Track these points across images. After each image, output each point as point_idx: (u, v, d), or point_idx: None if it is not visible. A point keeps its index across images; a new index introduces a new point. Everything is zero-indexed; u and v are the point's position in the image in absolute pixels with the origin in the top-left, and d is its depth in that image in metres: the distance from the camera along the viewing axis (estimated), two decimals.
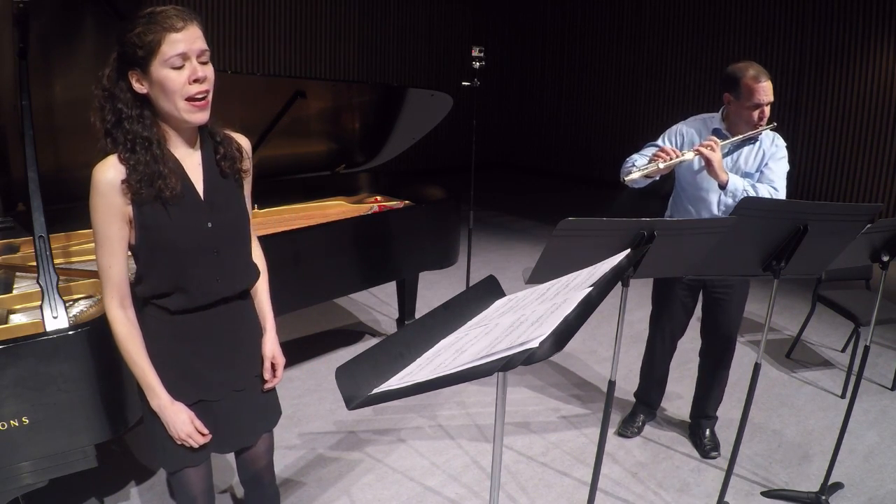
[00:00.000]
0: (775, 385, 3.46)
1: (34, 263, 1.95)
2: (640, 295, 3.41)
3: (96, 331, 1.76)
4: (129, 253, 1.44)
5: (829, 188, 6.69)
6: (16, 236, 2.53)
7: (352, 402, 1.07)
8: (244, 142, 1.58)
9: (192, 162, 1.46)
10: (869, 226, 1.97)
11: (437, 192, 3.73)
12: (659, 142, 2.62)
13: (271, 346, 1.66)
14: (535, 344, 0.91)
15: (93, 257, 2.54)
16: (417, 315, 3.83)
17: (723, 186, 2.39)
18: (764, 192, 2.41)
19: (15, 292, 2.18)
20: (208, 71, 1.36)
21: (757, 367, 2.13)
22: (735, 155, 2.52)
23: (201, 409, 1.52)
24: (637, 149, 2.63)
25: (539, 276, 1.69)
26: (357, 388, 1.08)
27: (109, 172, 1.35)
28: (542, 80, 9.48)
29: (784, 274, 1.98)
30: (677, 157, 2.31)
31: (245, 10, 7.04)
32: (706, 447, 2.81)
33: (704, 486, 2.61)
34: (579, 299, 1.00)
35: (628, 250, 1.55)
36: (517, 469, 2.71)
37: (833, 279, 3.60)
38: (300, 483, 2.57)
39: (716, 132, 2.51)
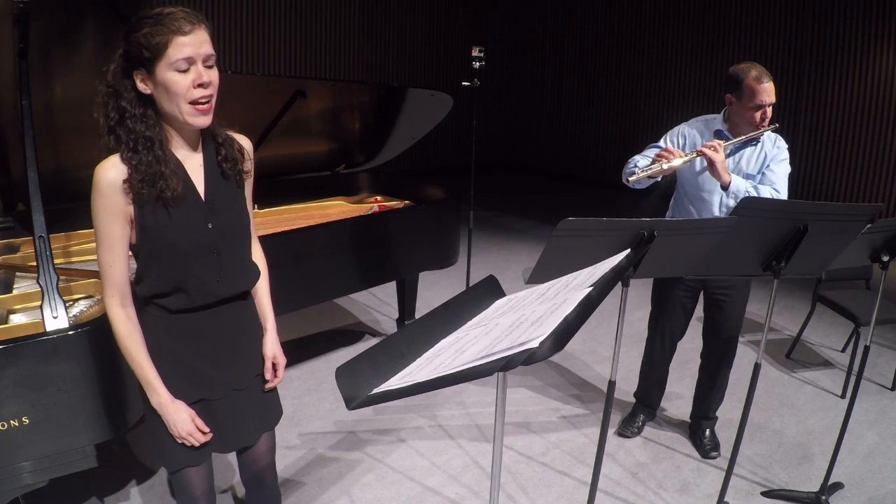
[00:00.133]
0: (775, 385, 3.46)
1: (34, 263, 1.95)
2: (640, 295, 3.40)
3: (96, 331, 1.76)
4: (130, 252, 1.45)
5: (829, 188, 6.69)
6: (16, 236, 2.53)
7: (352, 402, 1.07)
8: (246, 143, 1.58)
9: (193, 163, 1.46)
10: (869, 226, 1.97)
11: (437, 192, 3.73)
12: (661, 143, 2.62)
13: (272, 345, 1.67)
14: (535, 344, 0.91)
15: (93, 257, 2.55)
16: (417, 315, 3.82)
17: (725, 188, 2.39)
18: (766, 193, 2.42)
19: (15, 292, 2.18)
20: (213, 76, 1.37)
21: (757, 367, 2.13)
22: (737, 156, 2.52)
23: (202, 408, 1.52)
24: (637, 149, 2.64)
25: (539, 276, 1.69)
26: (357, 388, 1.08)
27: (111, 172, 1.35)
28: (542, 80, 9.47)
29: (784, 274, 1.98)
30: (680, 158, 2.32)
31: (245, 10, 7.04)
32: (706, 447, 2.81)
33: (704, 486, 2.61)
34: (579, 299, 1.00)
35: (628, 250, 1.55)
36: (517, 469, 2.70)
37: (833, 279, 3.60)
38: (300, 483, 2.57)
39: (717, 133, 2.51)
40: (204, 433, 1.50)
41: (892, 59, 6.03)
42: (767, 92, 2.36)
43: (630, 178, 2.38)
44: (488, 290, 1.39)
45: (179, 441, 1.48)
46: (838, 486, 2.58)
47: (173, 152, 1.42)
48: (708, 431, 2.87)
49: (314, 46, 7.69)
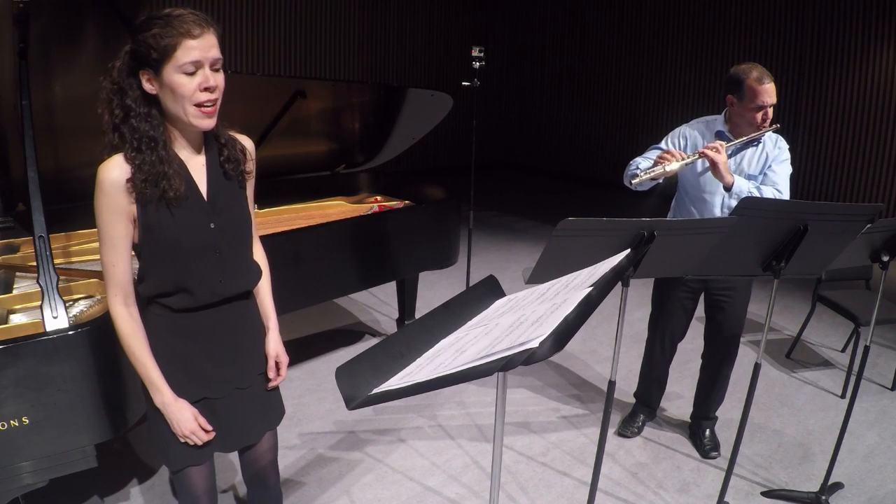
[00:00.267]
0: (775, 385, 3.46)
1: (34, 263, 1.95)
2: (641, 295, 3.40)
3: (96, 331, 1.76)
4: (133, 252, 1.45)
5: (829, 188, 6.69)
6: (16, 236, 2.53)
7: (352, 402, 1.07)
8: (248, 143, 1.59)
9: (196, 163, 1.47)
10: (869, 226, 1.97)
11: (437, 192, 3.73)
12: (662, 144, 2.62)
13: (275, 344, 1.68)
14: (535, 344, 0.91)
15: (93, 257, 2.55)
16: (417, 315, 3.82)
17: (728, 189, 2.39)
18: (769, 194, 2.42)
19: (15, 292, 2.18)
20: (219, 79, 1.37)
21: (757, 367, 2.13)
22: (738, 157, 2.52)
23: (204, 406, 1.53)
24: (637, 149, 2.64)
25: (539, 276, 1.69)
26: (357, 388, 1.08)
27: (115, 171, 1.35)
28: (542, 80, 9.48)
29: (784, 274, 1.98)
30: (682, 159, 2.32)
31: (245, 10, 7.04)
32: (706, 447, 2.81)
33: (704, 486, 2.61)
34: (579, 299, 1.00)
35: (628, 250, 1.56)
36: (517, 469, 2.71)
37: (833, 279, 3.60)
38: (300, 483, 2.57)
39: (719, 134, 2.51)
40: (207, 431, 1.50)
41: (892, 59, 6.03)
42: (769, 93, 2.36)
43: (633, 181, 2.38)
44: (488, 290, 1.39)
45: (183, 440, 1.49)
46: (838, 486, 2.58)
47: (176, 152, 1.43)
48: (708, 431, 2.87)
49: (314, 46, 7.69)
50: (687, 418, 3.01)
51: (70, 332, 1.72)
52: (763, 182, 2.49)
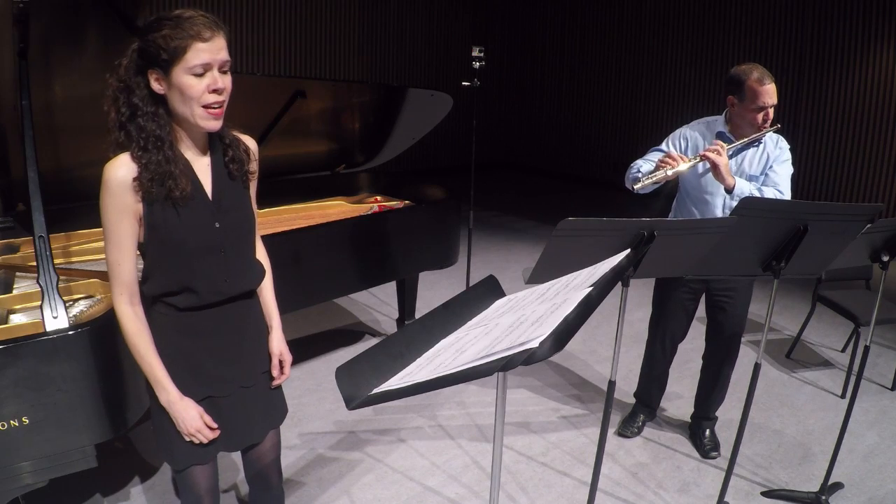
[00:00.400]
0: (775, 385, 3.46)
1: (34, 263, 1.95)
2: (641, 295, 3.41)
3: (96, 331, 1.76)
4: (137, 251, 1.45)
5: (829, 188, 6.69)
6: (16, 236, 2.53)
7: (352, 402, 1.07)
8: (251, 143, 1.60)
9: (201, 163, 1.47)
10: (869, 226, 1.97)
11: (437, 192, 3.73)
12: (663, 146, 2.62)
13: (278, 343, 1.69)
14: (535, 344, 0.91)
15: (93, 257, 2.55)
16: (417, 315, 3.82)
17: (729, 190, 2.39)
18: (770, 195, 2.42)
19: (15, 292, 2.18)
20: (227, 81, 1.38)
21: (757, 367, 2.13)
22: (739, 158, 2.52)
23: (209, 405, 1.53)
24: (637, 148, 2.64)
25: (539, 276, 1.69)
26: (357, 388, 1.08)
27: (121, 170, 1.36)
28: (542, 80, 9.47)
29: (784, 274, 1.98)
30: (684, 163, 2.32)
31: (245, 10, 7.04)
32: (706, 447, 2.81)
33: (704, 486, 2.61)
34: (579, 299, 1.00)
35: (628, 250, 1.56)
36: (517, 469, 2.70)
37: (833, 279, 3.60)
38: (300, 483, 2.57)
39: (720, 135, 2.51)
40: (212, 429, 1.51)
41: (892, 59, 6.03)
42: (769, 93, 2.36)
43: (635, 186, 2.38)
44: (488, 290, 1.39)
45: (188, 438, 1.49)
46: (838, 486, 2.58)
47: (182, 152, 1.44)
48: (708, 431, 2.87)
49: (314, 46, 7.69)
50: (687, 418, 3.01)
51: (70, 332, 1.72)
52: (764, 183, 2.49)
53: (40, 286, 1.80)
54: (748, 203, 1.86)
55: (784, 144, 2.52)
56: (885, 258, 2.22)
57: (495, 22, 9.37)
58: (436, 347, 1.16)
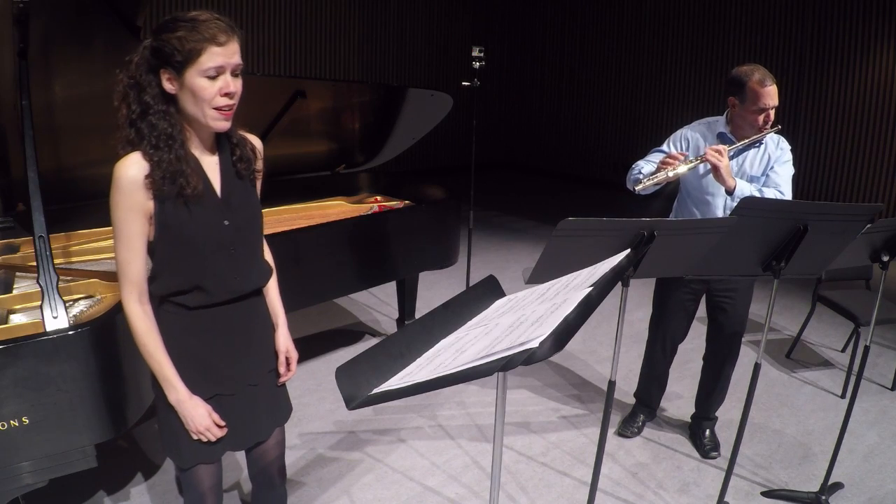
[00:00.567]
0: (775, 385, 3.46)
1: (34, 263, 1.95)
2: (641, 295, 3.40)
3: (96, 331, 1.76)
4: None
5: (829, 188, 6.69)
6: (16, 236, 2.53)
7: (352, 402, 1.07)
8: (257, 143, 1.62)
9: (210, 162, 1.49)
10: (869, 226, 1.97)
11: (437, 192, 3.73)
12: (664, 147, 2.62)
13: (284, 340, 1.71)
14: (535, 344, 0.91)
15: (93, 257, 2.55)
16: (417, 315, 3.82)
17: (730, 192, 2.39)
18: (771, 196, 2.42)
19: (15, 292, 2.18)
20: (239, 85, 1.41)
21: (757, 367, 2.13)
22: (740, 159, 2.52)
23: (216, 404, 1.54)
24: (637, 148, 2.64)
25: (539, 276, 1.69)
26: (357, 388, 1.08)
27: (132, 169, 1.36)
28: (542, 79, 9.47)
29: (784, 274, 1.98)
30: (685, 164, 2.32)
31: (245, 10, 7.04)
32: (706, 447, 2.81)
33: (704, 486, 2.61)
34: (579, 299, 1.00)
35: (628, 250, 1.55)
36: (517, 469, 2.70)
37: (833, 279, 3.60)
38: (300, 483, 2.57)
39: (720, 136, 2.51)
40: (220, 427, 1.52)
41: (892, 59, 6.03)
42: (771, 95, 2.35)
43: (636, 187, 2.38)
44: (488, 290, 1.39)
45: (196, 437, 1.49)
46: (838, 486, 2.58)
47: (191, 151, 1.45)
48: (708, 431, 2.87)
49: (314, 46, 7.69)
50: (687, 418, 3.01)
51: (70, 332, 1.72)
52: (765, 183, 2.49)
53: (40, 286, 1.80)
54: (748, 203, 1.86)
55: (785, 145, 2.52)
56: (885, 258, 2.22)
57: (495, 22, 9.37)
58: (436, 347, 1.16)
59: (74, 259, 2.54)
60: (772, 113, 2.40)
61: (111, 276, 2.25)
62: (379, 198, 3.88)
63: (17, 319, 2.02)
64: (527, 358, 0.91)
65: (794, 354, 3.80)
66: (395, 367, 1.12)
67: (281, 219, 3.40)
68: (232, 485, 2.51)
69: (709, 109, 2.55)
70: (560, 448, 2.86)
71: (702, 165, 2.44)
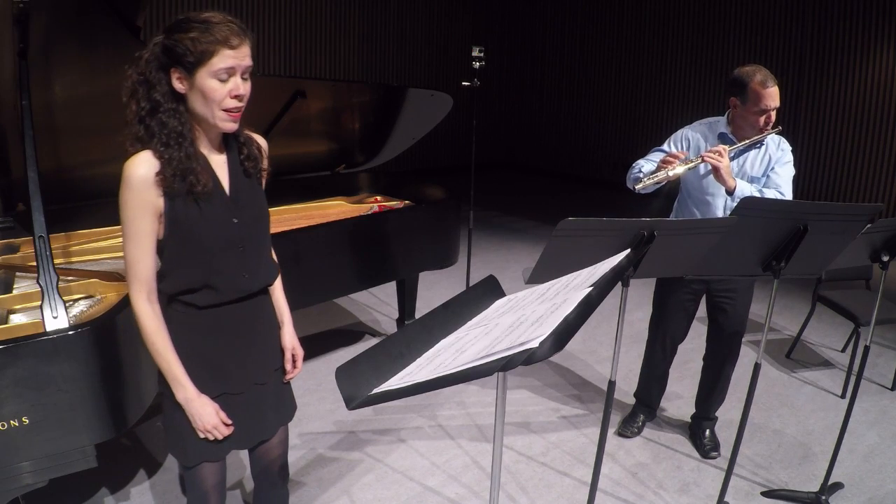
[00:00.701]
0: (775, 385, 3.46)
1: (34, 263, 1.95)
2: (641, 295, 3.40)
3: (96, 331, 1.76)
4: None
5: (829, 188, 6.69)
6: (16, 236, 2.53)
7: (352, 402, 1.07)
8: (263, 142, 1.63)
9: (218, 160, 1.49)
10: (869, 226, 1.97)
11: (437, 192, 3.72)
12: (665, 147, 2.62)
13: (290, 338, 1.72)
14: (535, 344, 0.91)
15: (93, 257, 2.55)
16: (417, 315, 3.82)
17: (731, 192, 2.39)
18: (771, 196, 2.42)
19: (15, 292, 2.18)
20: (248, 87, 1.42)
21: (757, 367, 2.13)
22: (741, 159, 2.52)
23: (223, 402, 1.54)
24: (637, 148, 2.64)
25: (539, 276, 1.69)
26: (357, 388, 1.08)
27: (142, 167, 1.37)
28: (542, 80, 9.47)
29: (784, 274, 1.98)
30: (685, 163, 2.32)
31: (245, 10, 7.04)
32: (706, 447, 2.81)
33: (704, 486, 2.61)
34: (579, 299, 1.00)
35: (628, 250, 1.55)
36: (517, 469, 2.70)
37: (833, 279, 3.60)
38: (300, 483, 2.57)
39: (721, 136, 2.51)
40: (227, 426, 1.52)
41: (892, 59, 6.03)
42: (772, 96, 2.35)
43: (637, 186, 2.38)
44: (488, 290, 1.39)
45: (203, 435, 1.50)
46: (838, 486, 2.58)
47: (199, 149, 1.45)
48: (708, 431, 2.87)
49: (314, 46, 7.69)
50: (687, 418, 3.01)
51: (70, 332, 1.71)
52: (766, 184, 2.49)
53: (40, 286, 1.80)
54: (748, 203, 1.86)
55: (786, 146, 2.52)
56: (885, 258, 2.22)
57: (495, 22, 9.37)
58: (436, 347, 1.16)
59: (74, 259, 2.54)
60: (773, 114, 2.40)
61: (111, 276, 2.25)
62: (379, 198, 3.88)
63: (17, 319, 2.01)
64: (527, 358, 0.91)
65: (794, 354, 3.80)
66: (395, 367, 1.12)
67: (281, 219, 3.40)
68: (234, 484, 2.51)
69: (709, 109, 2.55)
70: (560, 448, 2.86)
71: (702, 165, 2.44)
